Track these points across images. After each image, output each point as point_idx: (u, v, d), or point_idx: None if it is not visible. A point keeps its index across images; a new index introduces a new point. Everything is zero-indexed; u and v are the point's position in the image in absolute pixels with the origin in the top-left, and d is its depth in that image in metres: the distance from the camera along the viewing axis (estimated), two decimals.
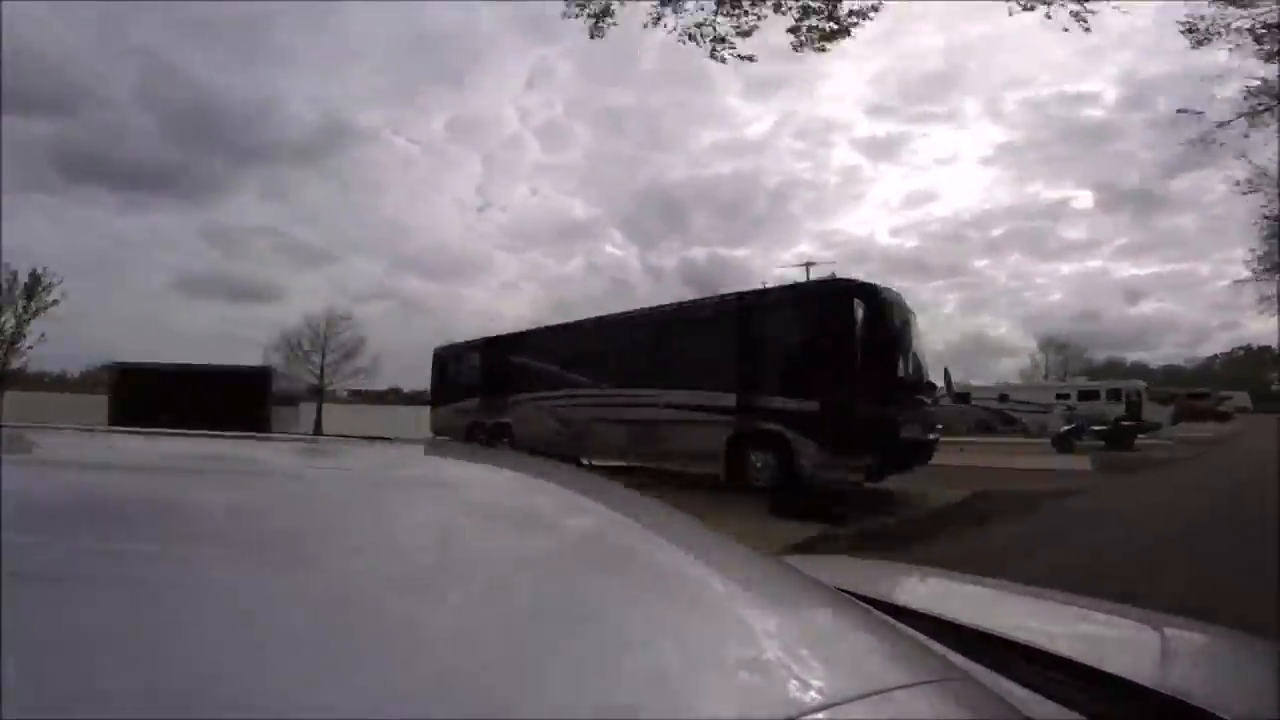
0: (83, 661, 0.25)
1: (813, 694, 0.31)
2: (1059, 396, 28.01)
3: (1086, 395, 27.43)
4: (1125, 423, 17.14)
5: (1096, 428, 17.17)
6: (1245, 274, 14.44)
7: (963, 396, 31.71)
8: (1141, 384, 26.74)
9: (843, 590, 0.58)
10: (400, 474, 0.80)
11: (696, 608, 0.42)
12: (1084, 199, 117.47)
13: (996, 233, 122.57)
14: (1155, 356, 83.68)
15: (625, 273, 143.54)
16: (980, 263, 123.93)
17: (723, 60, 7.37)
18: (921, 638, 0.50)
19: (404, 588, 0.37)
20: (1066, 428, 17.57)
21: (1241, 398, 52.48)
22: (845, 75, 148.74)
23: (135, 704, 0.23)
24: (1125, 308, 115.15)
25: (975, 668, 0.48)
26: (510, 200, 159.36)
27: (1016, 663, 0.54)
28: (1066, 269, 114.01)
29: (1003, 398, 29.91)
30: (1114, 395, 26.59)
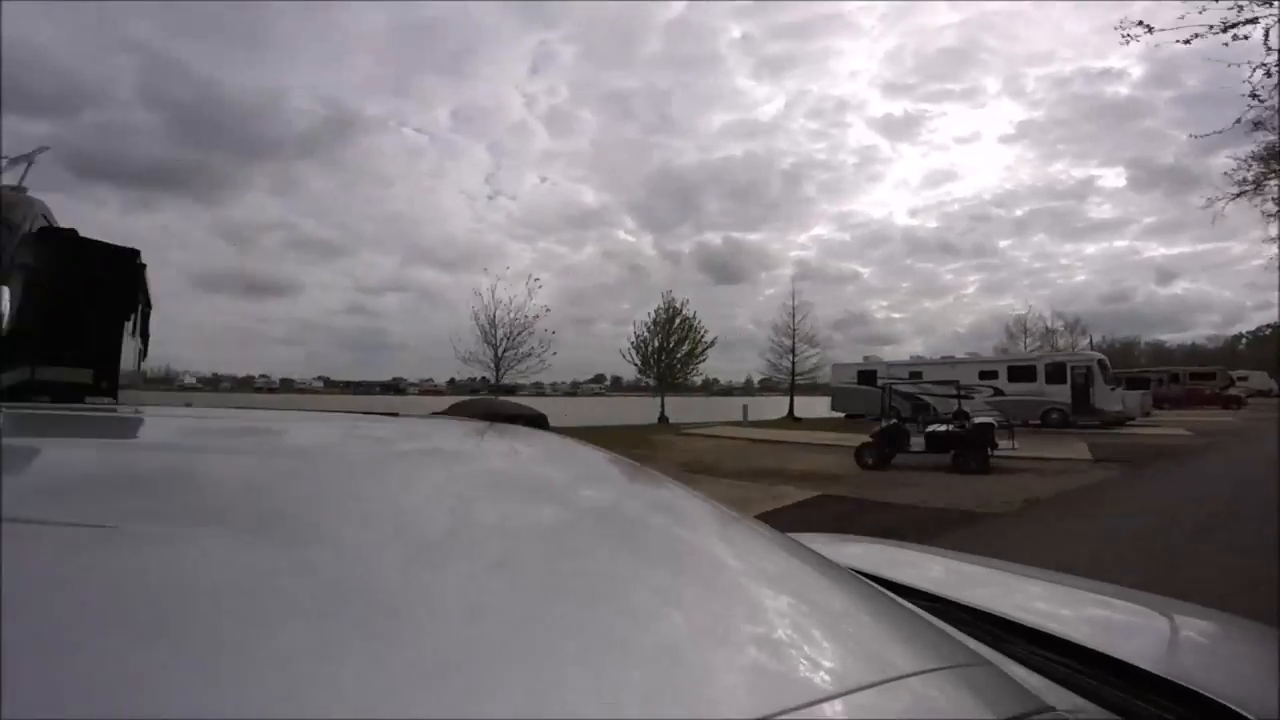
0: (97, 641, 0.24)
1: (828, 680, 0.30)
2: (984, 376, 20.25)
3: (1019, 374, 19.61)
4: (979, 421, 9.65)
5: (934, 428, 9.77)
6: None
7: (868, 375, 24.11)
8: (1096, 357, 18.78)
9: (856, 571, 0.57)
10: (410, 447, 0.81)
11: (711, 586, 0.41)
12: (1109, 177, 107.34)
13: (1020, 212, 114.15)
14: (1188, 338, 76.61)
15: (641, 259, 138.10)
16: (1003, 243, 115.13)
17: None
18: (937, 622, 0.49)
19: (414, 561, 0.37)
20: (887, 423, 10.25)
21: (1260, 379, 44.09)
22: (858, 52, 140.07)
23: (151, 684, 0.22)
24: (1156, 288, 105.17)
25: (989, 653, 0.47)
26: (519, 189, 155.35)
27: (1030, 648, 0.54)
28: (1092, 249, 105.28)
29: (914, 375, 22.19)
30: (1056, 374, 18.78)
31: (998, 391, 19.67)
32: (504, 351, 22.52)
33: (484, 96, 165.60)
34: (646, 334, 27.95)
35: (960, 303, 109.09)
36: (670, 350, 27.76)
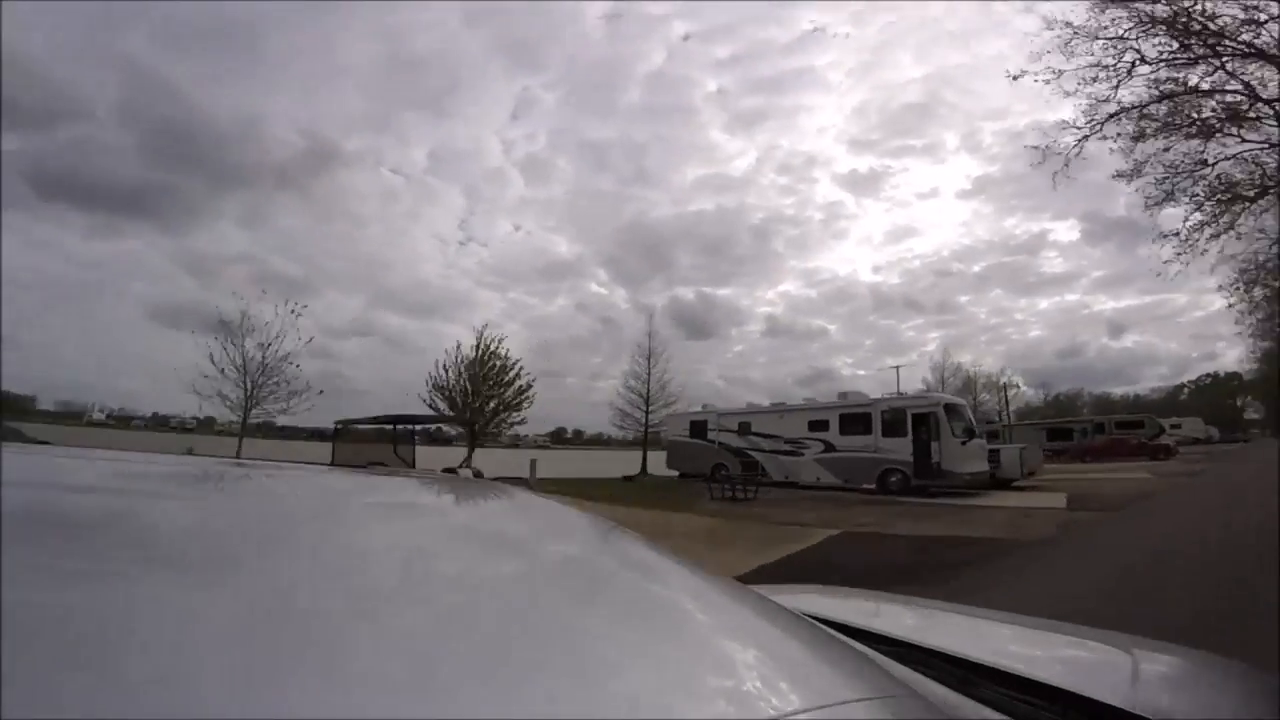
0: (75, 679, 0.25)
1: (762, 705, 0.32)
2: (814, 427, 15.36)
3: (852, 424, 14.72)
4: None
5: None
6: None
7: (700, 427, 19.13)
8: (943, 400, 13.92)
9: (811, 617, 0.60)
10: (371, 499, 0.80)
11: (654, 630, 0.43)
12: (1060, 231, 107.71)
13: (977, 268, 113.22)
14: (1135, 390, 75.95)
15: (614, 312, 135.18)
16: (962, 298, 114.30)
17: None
18: (877, 656, 0.51)
19: (372, 611, 0.37)
20: None
21: (1194, 425, 40.76)
22: (826, 108, 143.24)
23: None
24: (1108, 341, 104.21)
25: (937, 688, 0.50)
26: (492, 236, 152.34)
27: (986, 685, 0.57)
28: (1045, 303, 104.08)
29: (743, 428, 17.26)
30: (895, 424, 13.92)
31: (829, 446, 14.80)
32: (256, 389, 18.14)
33: (463, 140, 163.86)
34: (448, 375, 22.73)
35: (923, 360, 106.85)
36: (483, 396, 22.56)
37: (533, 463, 18.69)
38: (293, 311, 18.37)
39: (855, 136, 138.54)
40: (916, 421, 13.37)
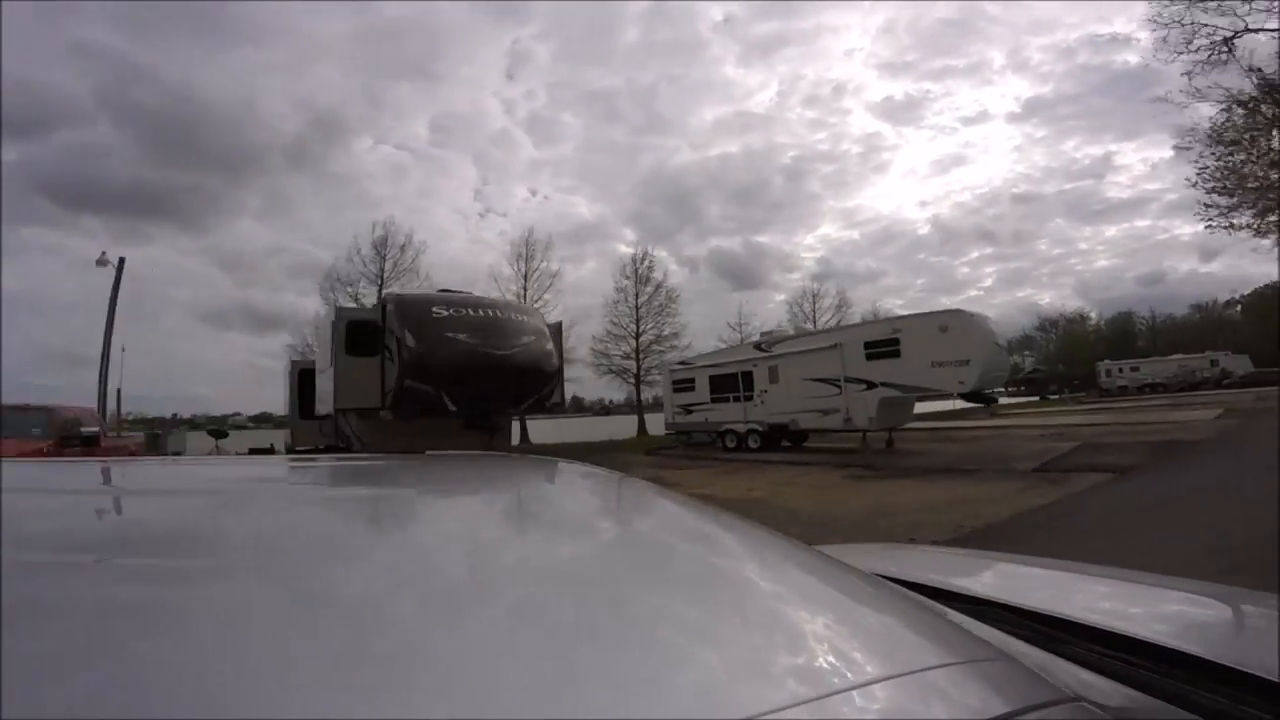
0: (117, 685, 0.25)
1: (845, 674, 0.31)
2: None
3: None
4: None
5: None
6: None
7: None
8: None
9: (886, 577, 0.59)
10: (422, 486, 0.81)
11: (730, 600, 0.42)
12: (1126, 153, 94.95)
13: (1034, 197, 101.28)
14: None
15: (652, 271, 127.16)
16: (1020, 230, 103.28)
17: None
18: (963, 619, 0.51)
19: (433, 600, 0.37)
20: None
21: (1238, 362, 34.51)
22: (851, 28, 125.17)
23: None
24: (1197, 265, 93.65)
25: (1026, 649, 0.49)
26: (509, 204, 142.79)
27: (1071, 642, 0.55)
28: (1112, 230, 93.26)
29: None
30: None
31: None
32: None
33: (461, 104, 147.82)
34: None
35: (979, 298, 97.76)
36: None
37: None
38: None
39: (888, 59, 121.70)
40: None
